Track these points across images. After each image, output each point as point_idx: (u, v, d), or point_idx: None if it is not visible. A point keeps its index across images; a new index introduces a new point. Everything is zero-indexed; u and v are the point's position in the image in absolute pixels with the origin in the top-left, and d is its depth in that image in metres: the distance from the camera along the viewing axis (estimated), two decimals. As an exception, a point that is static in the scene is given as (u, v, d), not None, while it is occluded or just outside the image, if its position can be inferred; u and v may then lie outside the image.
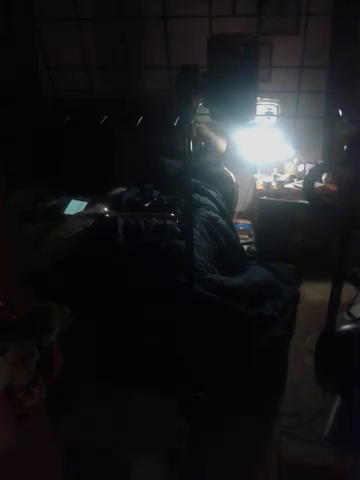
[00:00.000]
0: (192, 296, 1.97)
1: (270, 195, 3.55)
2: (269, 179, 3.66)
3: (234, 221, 3.69)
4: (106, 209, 3.07)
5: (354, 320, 2.61)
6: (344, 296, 2.09)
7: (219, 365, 2.17)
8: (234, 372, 2.16)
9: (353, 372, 1.76)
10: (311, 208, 2.87)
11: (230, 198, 3.59)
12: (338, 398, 2.12)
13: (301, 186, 3.37)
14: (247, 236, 3.86)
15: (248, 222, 3.94)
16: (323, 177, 3.47)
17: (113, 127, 3.50)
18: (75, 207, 3.20)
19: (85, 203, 3.23)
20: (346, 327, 2.06)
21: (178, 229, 2.68)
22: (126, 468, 1.72)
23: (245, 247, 3.55)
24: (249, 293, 2.56)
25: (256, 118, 3.36)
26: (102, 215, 2.98)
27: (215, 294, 2.33)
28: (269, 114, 3.53)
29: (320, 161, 3.61)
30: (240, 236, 3.56)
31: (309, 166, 3.52)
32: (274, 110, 3.52)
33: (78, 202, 3.24)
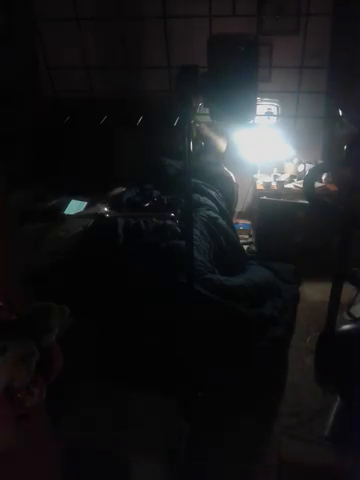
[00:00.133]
0: (192, 296, 1.97)
1: (270, 195, 3.55)
2: (269, 179, 3.66)
3: (234, 221, 3.69)
4: (106, 209, 3.06)
5: (354, 320, 2.61)
6: (344, 296, 2.09)
7: (219, 365, 2.17)
8: (234, 372, 2.16)
9: (353, 372, 1.76)
10: (311, 208, 2.87)
11: (230, 198, 3.59)
12: (338, 398, 2.12)
13: (301, 186, 3.37)
14: (247, 236, 3.86)
15: (248, 222, 3.94)
16: (323, 177, 3.47)
17: (113, 127, 3.50)
18: (75, 207, 3.20)
19: (85, 203, 3.23)
20: (346, 327, 2.06)
21: (178, 229, 2.68)
22: (126, 468, 1.72)
23: (245, 247, 3.55)
24: (249, 293, 2.56)
25: (256, 118, 3.36)
26: (102, 215, 2.98)
27: (215, 294, 2.33)
28: (269, 114, 3.53)
29: (320, 161, 3.61)
30: (240, 236, 3.56)
31: (309, 166, 3.52)
32: (274, 110, 3.52)
33: (78, 202, 3.24)
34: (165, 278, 2.28)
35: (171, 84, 3.49)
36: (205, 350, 2.11)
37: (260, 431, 2.16)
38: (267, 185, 3.61)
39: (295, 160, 3.67)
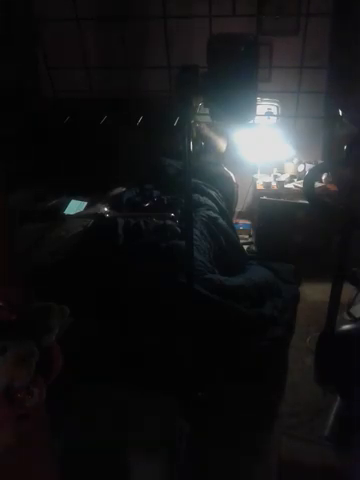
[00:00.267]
0: (192, 296, 1.97)
1: (270, 195, 3.55)
2: (269, 179, 3.66)
3: (234, 221, 3.69)
4: (106, 209, 3.07)
5: (354, 320, 2.60)
6: (344, 296, 2.09)
7: (219, 365, 2.17)
8: (234, 372, 2.16)
9: (353, 372, 1.76)
10: (311, 208, 2.87)
11: (230, 198, 3.59)
12: (338, 398, 2.12)
13: (301, 186, 3.37)
14: (247, 236, 3.86)
15: (248, 222, 3.94)
16: (323, 177, 3.47)
17: (113, 127, 3.50)
18: (75, 207, 3.20)
19: (85, 203, 3.23)
20: (346, 327, 2.06)
21: (178, 229, 2.68)
22: (126, 468, 1.71)
23: (245, 247, 3.55)
24: (249, 293, 2.56)
25: (256, 118, 3.36)
26: (102, 215, 2.98)
27: (215, 294, 2.33)
28: (269, 114, 3.53)
29: (320, 161, 3.61)
30: (240, 236, 3.56)
31: (309, 166, 3.52)
32: (274, 110, 3.52)
33: (78, 202, 3.24)
34: (165, 278, 2.28)
35: (171, 84, 3.49)
36: (205, 350, 2.11)
37: (260, 431, 2.16)
38: (267, 185, 3.61)
39: (295, 160, 3.67)
